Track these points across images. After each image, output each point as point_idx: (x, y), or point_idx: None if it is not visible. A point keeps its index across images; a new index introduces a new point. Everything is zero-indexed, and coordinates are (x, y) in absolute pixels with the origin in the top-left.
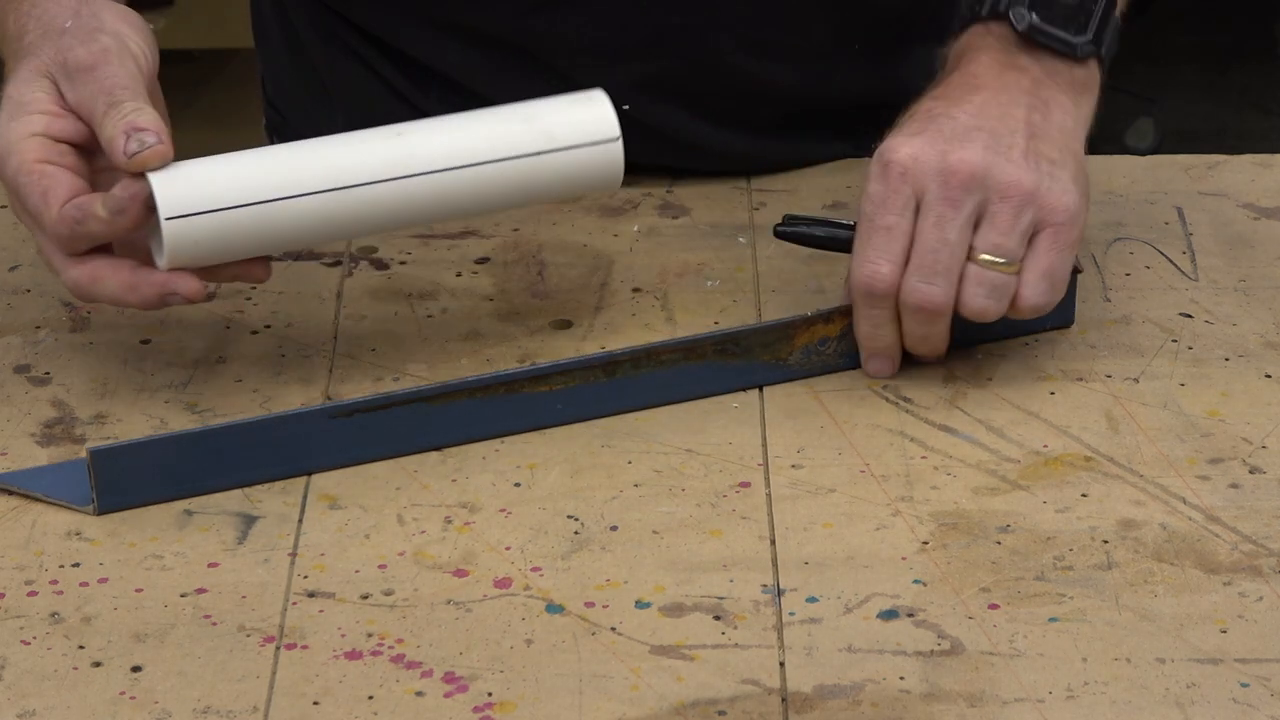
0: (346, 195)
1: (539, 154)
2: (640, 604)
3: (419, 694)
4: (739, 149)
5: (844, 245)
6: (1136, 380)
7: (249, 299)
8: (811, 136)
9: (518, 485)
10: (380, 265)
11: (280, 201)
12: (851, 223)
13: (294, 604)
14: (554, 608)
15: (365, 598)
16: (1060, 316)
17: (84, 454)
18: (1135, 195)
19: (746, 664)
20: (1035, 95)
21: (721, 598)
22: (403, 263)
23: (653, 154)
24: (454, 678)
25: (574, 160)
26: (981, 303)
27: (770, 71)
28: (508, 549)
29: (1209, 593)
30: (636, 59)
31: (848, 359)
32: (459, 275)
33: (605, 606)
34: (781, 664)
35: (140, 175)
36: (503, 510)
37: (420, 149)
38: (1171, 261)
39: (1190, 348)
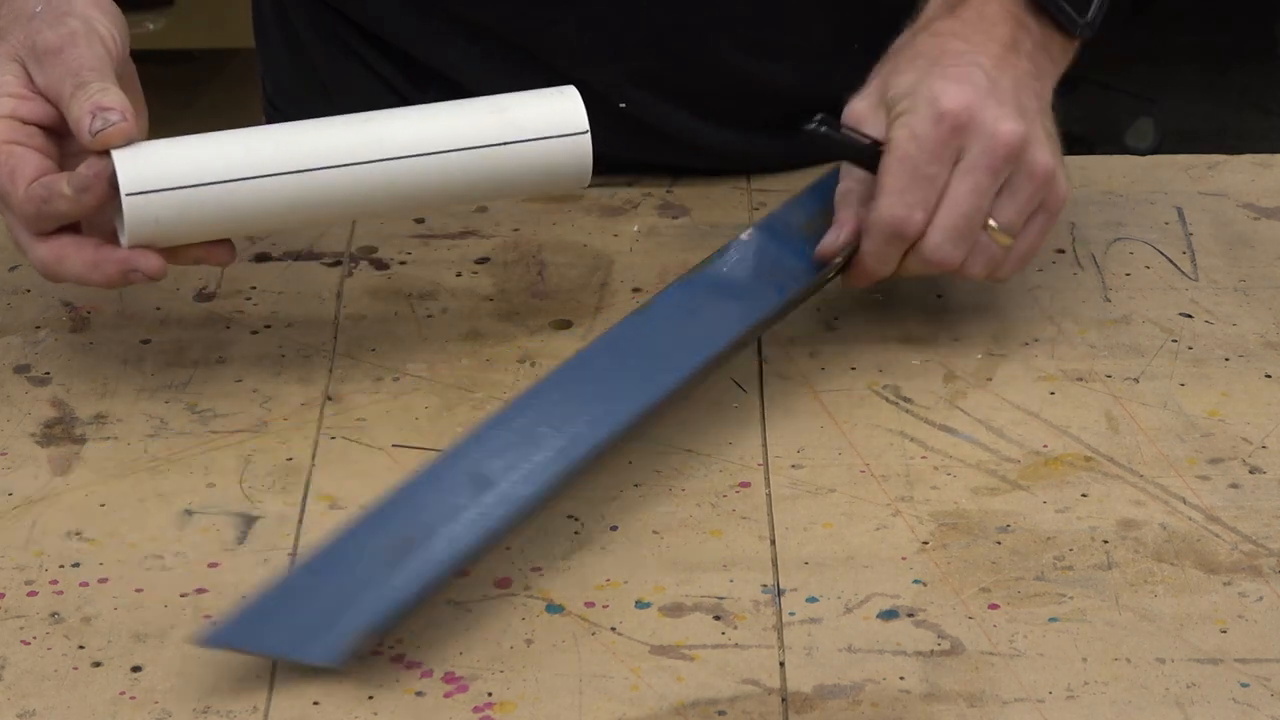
0: (309, 178)
1: (505, 144)
2: (640, 604)
3: (419, 694)
4: (739, 148)
5: (869, 164)
6: (1136, 380)
7: (249, 299)
8: None
9: None
10: (380, 265)
11: (242, 182)
12: (877, 143)
13: None
14: (554, 608)
15: None
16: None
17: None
18: (1135, 195)
19: (746, 664)
20: (1036, 64)
21: (721, 598)
22: (403, 263)
23: (652, 153)
24: (454, 678)
25: (540, 151)
26: (977, 270)
27: (770, 71)
28: (508, 549)
29: (1209, 593)
30: (636, 58)
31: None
32: (459, 275)
33: (605, 606)
34: (781, 664)
35: (105, 153)
36: None
37: (386, 135)
38: (1171, 261)
39: (1190, 348)
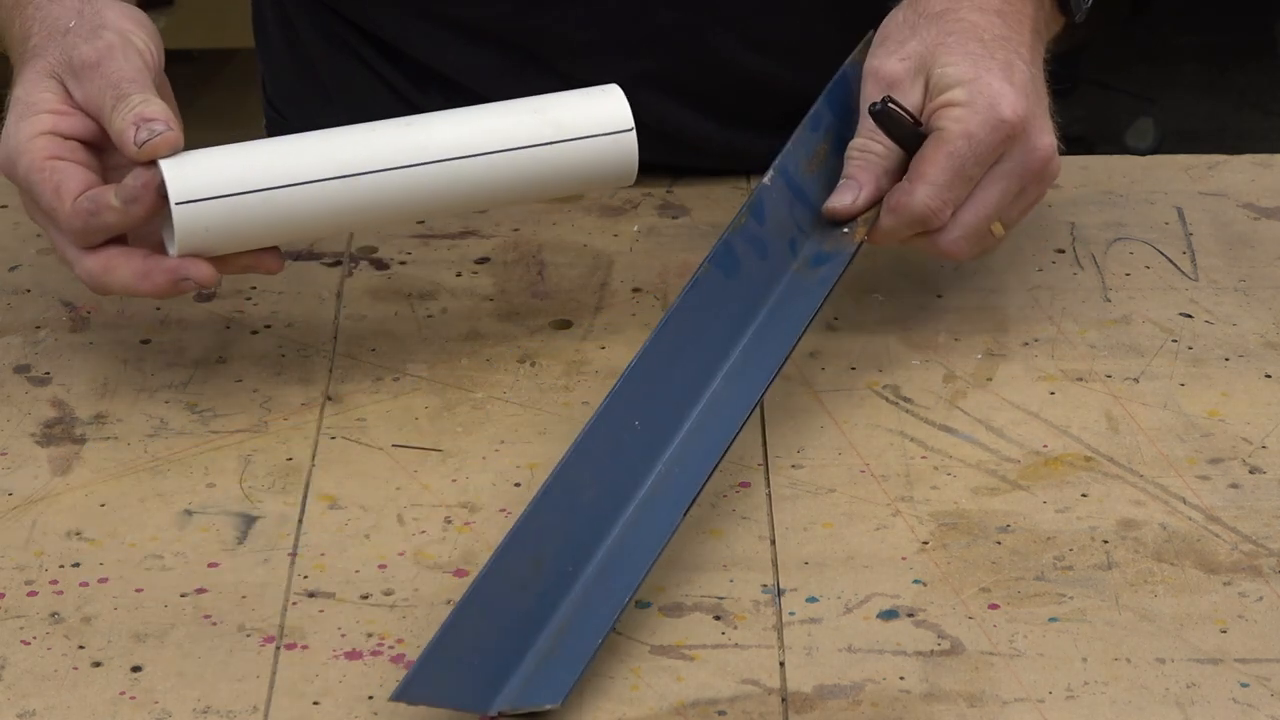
0: (356, 183)
1: (550, 144)
2: (640, 604)
3: None
4: (740, 147)
5: (910, 146)
6: (1136, 380)
7: (249, 299)
8: None
9: (518, 485)
10: (380, 265)
11: (290, 188)
12: (919, 123)
13: (294, 604)
14: None
15: (365, 598)
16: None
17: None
18: (1135, 195)
19: (746, 664)
20: (1044, 44)
21: (721, 598)
22: (403, 263)
23: (653, 152)
24: None
25: (586, 150)
26: (970, 257)
27: (771, 69)
28: (497, 547)
29: (1209, 593)
30: (637, 56)
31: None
32: (459, 275)
33: None
34: (781, 664)
35: (152, 163)
36: (503, 510)
37: (431, 137)
38: (1171, 261)
39: (1190, 348)
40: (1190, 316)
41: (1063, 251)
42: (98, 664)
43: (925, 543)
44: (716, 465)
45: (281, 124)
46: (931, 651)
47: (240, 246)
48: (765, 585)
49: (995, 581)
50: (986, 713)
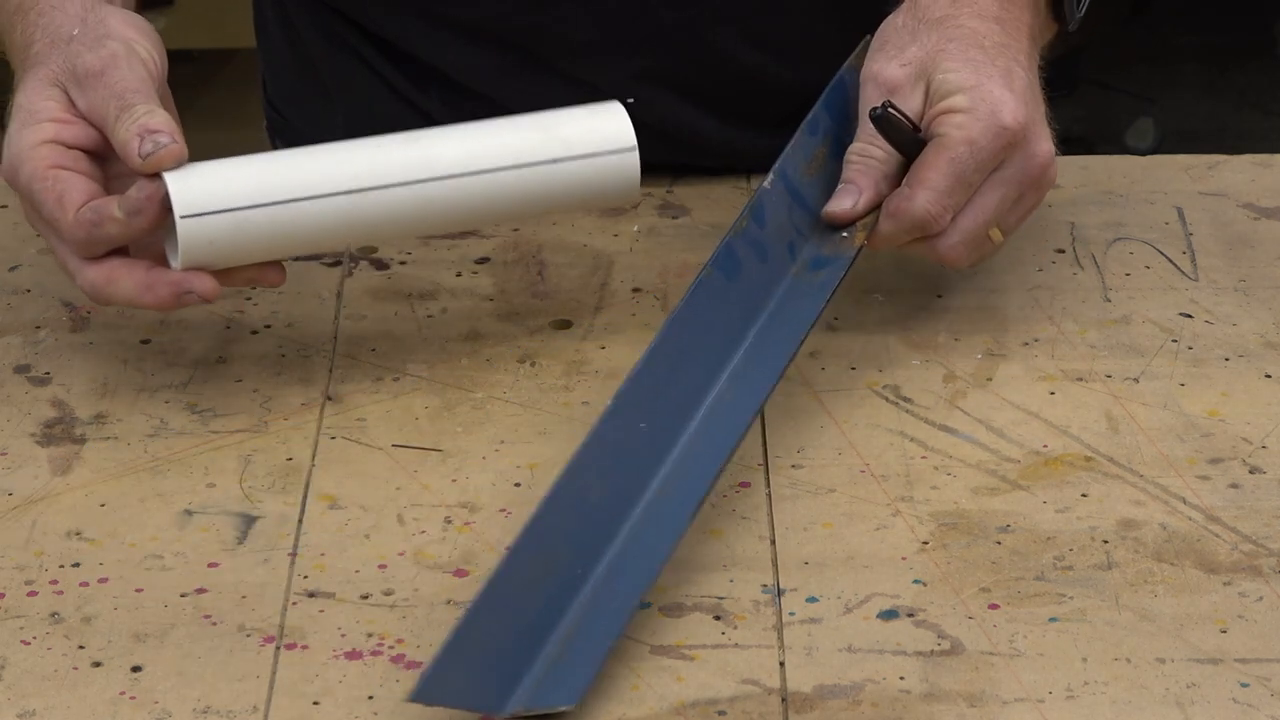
0: (361, 198)
1: (555, 161)
2: (641, 604)
3: None
4: (741, 145)
5: (909, 152)
6: (1136, 380)
7: (249, 299)
8: None
9: (518, 485)
10: (380, 265)
11: (295, 203)
12: (918, 129)
13: (294, 604)
14: None
15: (365, 598)
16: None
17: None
18: (1135, 195)
19: (746, 664)
20: (1039, 49)
21: (721, 598)
22: (403, 263)
23: (654, 150)
24: None
25: (589, 169)
26: (968, 263)
27: (773, 67)
28: (508, 549)
29: (1209, 593)
30: (638, 55)
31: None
32: (459, 275)
33: None
34: (781, 664)
35: (156, 176)
36: (503, 510)
37: (436, 154)
38: (1171, 261)
39: (1190, 348)
40: (1190, 316)
41: (1063, 251)
42: (98, 664)
43: (925, 543)
44: (723, 467)
45: (282, 124)
46: (931, 651)
47: (243, 260)
48: (765, 585)
49: (995, 581)
50: (986, 713)
